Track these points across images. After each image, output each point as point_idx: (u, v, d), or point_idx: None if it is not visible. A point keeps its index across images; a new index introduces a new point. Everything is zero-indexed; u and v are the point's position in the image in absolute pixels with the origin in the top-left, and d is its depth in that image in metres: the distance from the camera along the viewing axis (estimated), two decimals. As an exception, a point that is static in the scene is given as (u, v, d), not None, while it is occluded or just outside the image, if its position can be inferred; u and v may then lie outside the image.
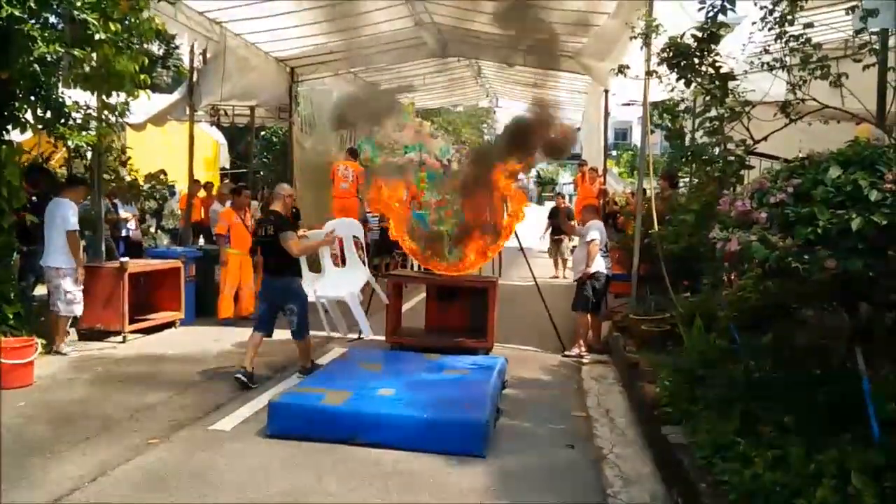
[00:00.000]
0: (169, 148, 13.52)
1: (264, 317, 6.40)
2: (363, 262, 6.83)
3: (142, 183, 11.92)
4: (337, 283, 6.77)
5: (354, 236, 6.98)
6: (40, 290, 8.05)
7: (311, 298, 6.70)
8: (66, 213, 7.03)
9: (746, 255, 3.69)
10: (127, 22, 6.84)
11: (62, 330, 7.19)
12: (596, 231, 7.71)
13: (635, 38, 7.03)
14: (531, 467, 4.54)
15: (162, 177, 12.76)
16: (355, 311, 6.55)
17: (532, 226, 15.07)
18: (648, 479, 4.41)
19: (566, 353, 7.68)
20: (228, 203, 9.91)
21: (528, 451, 4.82)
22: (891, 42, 5.42)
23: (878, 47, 5.28)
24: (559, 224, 13.99)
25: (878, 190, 3.32)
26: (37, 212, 7.28)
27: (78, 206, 7.28)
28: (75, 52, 6.45)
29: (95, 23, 6.40)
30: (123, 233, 10.96)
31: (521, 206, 7.90)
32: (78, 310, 7.26)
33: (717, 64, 6.06)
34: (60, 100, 6.88)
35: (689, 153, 7.25)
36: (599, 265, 7.66)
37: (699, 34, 5.95)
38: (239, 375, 6.01)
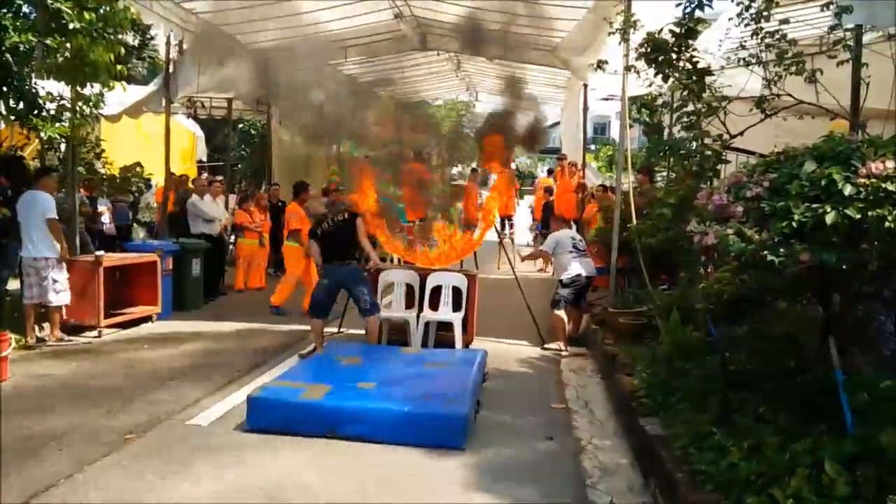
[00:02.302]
0: (145, 140, 13.34)
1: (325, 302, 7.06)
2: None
3: (117, 175, 11.75)
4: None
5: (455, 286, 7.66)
6: (12, 285, 7.92)
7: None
8: (44, 203, 6.97)
9: (723, 249, 3.73)
10: (101, 11, 6.73)
11: (56, 321, 7.19)
12: (546, 247, 8.06)
13: (613, 33, 7.06)
14: (511, 459, 4.57)
15: (138, 169, 12.59)
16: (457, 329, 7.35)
17: (518, 219, 15.17)
18: (626, 469, 4.47)
19: (546, 345, 7.72)
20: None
21: (508, 443, 4.85)
22: (864, 38, 5.49)
23: (851, 44, 5.34)
24: (549, 219, 14.00)
25: (851, 184, 3.37)
26: (10, 205, 7.15)
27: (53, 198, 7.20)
28: (48, 42, 6.34)
29: (69, 12, 6.30)
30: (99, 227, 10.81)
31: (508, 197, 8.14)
32: (66, 298, 7.22)
33: (695, 59, 6.10)
34: (34, 90, 6.75)
35: (666, 148, 7.29)
36: (576, 269, 7.69)
37: (677, 30, 5.99)
38: None
